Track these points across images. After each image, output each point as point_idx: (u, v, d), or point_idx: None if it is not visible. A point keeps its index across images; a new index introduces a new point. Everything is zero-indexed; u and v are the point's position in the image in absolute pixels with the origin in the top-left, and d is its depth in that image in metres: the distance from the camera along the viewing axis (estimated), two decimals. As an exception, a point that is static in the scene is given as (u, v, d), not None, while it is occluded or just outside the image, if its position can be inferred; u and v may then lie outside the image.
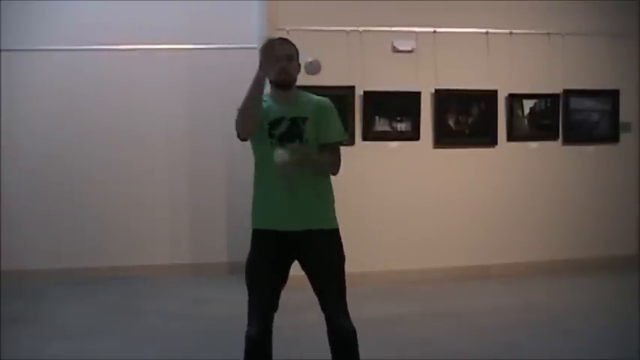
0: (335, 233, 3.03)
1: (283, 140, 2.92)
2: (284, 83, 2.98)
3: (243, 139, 2.98)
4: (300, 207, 2.94)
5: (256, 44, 6.17)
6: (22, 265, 6.11)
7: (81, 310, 5.28)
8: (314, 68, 2.96)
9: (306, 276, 3.02)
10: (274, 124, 2.94)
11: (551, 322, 4.81)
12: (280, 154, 2.82)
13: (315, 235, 2.96)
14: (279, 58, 2.91)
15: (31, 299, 5.56)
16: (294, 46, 3.02)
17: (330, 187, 3.07)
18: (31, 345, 4.39)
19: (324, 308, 2.99)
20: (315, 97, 3.07)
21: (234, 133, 3.00)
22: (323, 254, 2.99)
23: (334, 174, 3.06)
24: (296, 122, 2.94)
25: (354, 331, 2.97)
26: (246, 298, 2.99)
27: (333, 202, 3.06)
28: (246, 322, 2.97)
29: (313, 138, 2.96)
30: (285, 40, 3.05)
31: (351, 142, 5.83)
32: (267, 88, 3.06)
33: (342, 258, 3.02)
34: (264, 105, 2.96)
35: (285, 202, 2.92)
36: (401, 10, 5.96)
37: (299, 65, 3.04)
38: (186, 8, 6.30)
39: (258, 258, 2.99)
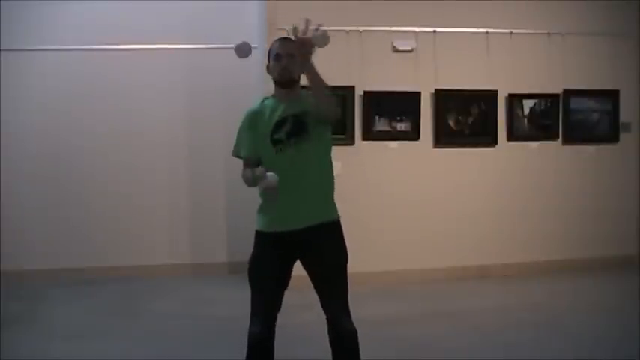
0: (336, 226, 3.01)
1: (291, 137, 2.92)
2: (286, 82, 2.98)
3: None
4: (301, 205, 2.93)
5: (256, 44, 6.17)
6: (21, 265, 6.11)
7: (81, 311, 5.28)
8: (243, 52, 2.92)
9: (306, 276, 3.01)
10: (278, 125, 2.94)
11: (551, 322, 4.81)
12: (269, 182, 2.83)
13: (316, 230, 2.94)
14: (280, 56, 2.94)
15: (31, 299, 5.55)
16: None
17: (332, 178, 3.03)
18: (31, 345, 4.39)
19: (325, 308, 2.97)
20: None
21: (234, 133, 3.07)
22: (324, 250, 2.97)
23: (331, 115, 2.96)
24: (299, 117, 2.95)
25: (355, 332, 2.94)
26: (248, 297, 2.98)
27: (333, 191, 3.03)
28: (246, 321, 2.96)
29: (315, 131, 2.94)
30: (287, 38, 3.05)
31: (351, 142, 5.85)
32: (271, 88, 3.08)
33: (344, 256, 3.01)
34: (266, 102, 3.00)
35: (286, 203, 2.92)
36: (401, 10, 5.97)
37: None
38: (186, 8, 6.30)
39: (261, 258, 2.98)
